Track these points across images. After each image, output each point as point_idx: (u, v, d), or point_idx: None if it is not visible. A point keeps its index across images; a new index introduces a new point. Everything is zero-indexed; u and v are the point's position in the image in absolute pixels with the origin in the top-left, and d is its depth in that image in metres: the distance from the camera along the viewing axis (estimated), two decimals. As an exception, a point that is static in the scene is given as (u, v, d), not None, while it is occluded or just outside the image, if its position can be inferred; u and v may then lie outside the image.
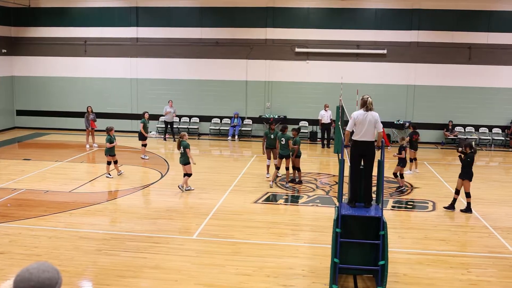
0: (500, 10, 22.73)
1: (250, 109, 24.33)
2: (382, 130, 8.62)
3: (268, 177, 15.69)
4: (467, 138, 22.91)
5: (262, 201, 13.49)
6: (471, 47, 22.88)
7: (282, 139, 14.97)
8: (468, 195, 12.59)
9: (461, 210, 12.67)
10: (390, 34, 23.05)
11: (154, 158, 18.86)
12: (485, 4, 22.63)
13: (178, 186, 14.08)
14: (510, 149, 22.74)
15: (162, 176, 15.96)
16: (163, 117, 23.26)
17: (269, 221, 11.74)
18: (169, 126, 23.21)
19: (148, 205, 13.33)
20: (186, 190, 14.01)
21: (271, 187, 14.77)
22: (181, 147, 13.88)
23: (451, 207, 12.78)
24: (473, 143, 13.09)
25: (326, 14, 23.48)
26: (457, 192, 12.78)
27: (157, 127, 24.48)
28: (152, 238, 10.33)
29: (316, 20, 23.48)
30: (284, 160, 15.00)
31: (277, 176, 15.59)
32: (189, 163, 13.94)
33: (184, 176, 14.03)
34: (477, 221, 12.13)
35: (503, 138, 23.33)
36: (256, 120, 23.93)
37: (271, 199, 13.77)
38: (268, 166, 16.02)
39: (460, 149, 12.95)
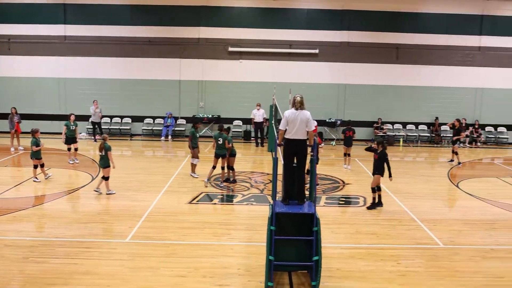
0: (426, 12, 23.72)
1: (184, 109, 24.14)
2: (313, 129, 8.77)
3: (194, 176, 15.68)
4: (395, 135, 23.75)
5: (197, 201, 13.40)
6: (398, 47, 23.73)
7: (219, 139, 14.98)
8: (374, 190, 13.00)
9: (368, 208, 12.93)
10: (321, 34, 23.53)
11: (84, 161, 18.32)
12: (412, 6, 23.55)
13: (94, 190, 13.65)
14: (435, 145, 23.76)
15: (92, 179, 15.52)
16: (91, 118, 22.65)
17: (204, 221, 11.67)
18: (97, 126, 22.60)
19: (78, 209, 12.90)
20: (107, 194, 13.58)
21: (206, 186, 14.70)
22: (103, 150, 13.48)
23: (376, 205, 13.05)
24: (384, 140, 13.52)
25: (259, 14, 23.64)
26: (378, 189, 13.08)
27: (86, 128, 23.79)
28: (83, 243, 10.00)
29: (249, 19, 23.60)
30: (220, 159, 15.02)
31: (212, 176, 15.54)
32: (109, 166, 13.58)
33: (104, 180, 13.63)
34: (405, 214, 12.58)
35: (428, 135, 24.37)
36: (190, 119, 23.73)
37: (206, 199, 13.69)
38: (195, 166, 16.05)
39: (373, 145, 13.27)
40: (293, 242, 8.55)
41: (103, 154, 13.50)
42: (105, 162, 13.54)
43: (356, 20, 23.53)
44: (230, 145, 15.06)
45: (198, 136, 16.09)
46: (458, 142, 19.33)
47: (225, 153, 15.05)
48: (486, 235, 11.23)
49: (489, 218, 12.54)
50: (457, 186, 16.01)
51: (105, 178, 13.57)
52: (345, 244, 10.35)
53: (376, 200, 13.04)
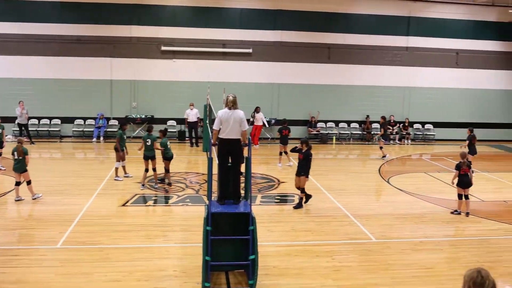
0: (357, 13, 24.35)
1: (116, 109, 23.57)
2: (247, 128, 8.79)
3: (119, 180, 15.35)
4: (328, 133, 24.23)
5: (131, 203, 13.12)
6: (330, 47, 24.23)
7: (147, 140, 14.58)
8: (303, 191, 12.93)
9: (294, 207, 12.90)
10: (255, 34, 23.65)
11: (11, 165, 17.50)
12: (343, 7, 24.12)
13: (15, 200, 12.95)
14: (367, 142, 24.44)
15: (19, 183, 14.83)
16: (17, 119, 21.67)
17: (139, 223, 11.44)
18: (23, 128, 21.64)
19: (4, 215, 12.28)
20: (34, 198, 12.98)
21: (141, 189, 14.41)
22: (17, 153, 12.84)
23: (301, 205, 12.96)
24: (308, 140, 13.41)
25: (193, 13, 23.45)
26: (302, 190, 12.97)
27: (12, 130, 22.73)
28: (11, 251, 9.55)
29: (183, 18, 23.37)
30: (150, 161, 14.67)
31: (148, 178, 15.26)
32: (27, 170, 13.02)
33: (27, 184, 13.05)
34: (339, 211, 12.85)
35: (360, 132, 25.02)
36: (123, 120, 23.11)
37: (140, 201, 13.43)
38: (118, 169, 15.66)
39: (298, 146, 13.26)
40: (230, 242, 8.54)
41: (21, 158, 12.87)
42: (22, 166, 12.93)
43: (289, 20, 23.82)
44: (158, 145, 14.60)
45: (125, 137, 15.67)
46: (386, 138, 20.20)
47: (153, 155, 14.62)
48: (416, 228, 11.66)
49: (418, 212, 13.02)
50: (387, 182, 16.52)
51: (28, 183, 12.96)
52: (281, 242, 10.45)
53: (298, 200, 13.03)
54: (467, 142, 17.39)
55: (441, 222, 12.24)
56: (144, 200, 13.52)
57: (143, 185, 14.68)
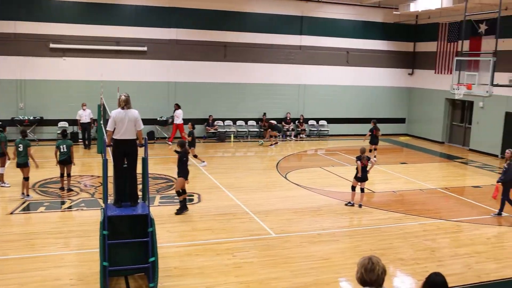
0: (252, 12, 24.61)
1: (1, 111, 22.00)
2: (142, 127, 8.58)
3: (6, 186, 14.22)
4: (226, 131, 24.36)
5: (20, 211, 12.34)
6: (226, 45, 24.32)
7: (19, 145, 13.17)
8: (179, 193, 12.39)
9: (176, 213, 12.23)
10: (150, 31, 23.14)
11: None
12: (239, 6, 24.27)
13: None
14: (264, 139, 24.83)
15: None
16: None
17: (30, 232, 10.80)
18: None
19: None
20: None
21: (25, 197, 13.39)
22: None
23: (184, 208, 12.42)
24: (185, 141, 12.93)
25: (83, 9, 22.43)
26: (183, 192, 12.42)
27: None
28: None
29: (72, 14, 22.28)
30: (23, 169, 13.15)
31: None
32: None
33: None
34: (239, 208, 12.96)
35: (257, 130, 25.39)
36: (9, 122, 21.60)
37: (30, 208, 12.68)
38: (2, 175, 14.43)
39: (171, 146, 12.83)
40: (128, 245, 8.31)
41: None
42: None
43: (185, 17, 23.58)
44: (32, 151, 13.28)
45: (6, 141, 14.28)
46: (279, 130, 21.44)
47: (26, 162, 13.12)
48: (313, 222, 12.04)
49: (315, 205, 13.46)
50: (285, 177, 16.90)
51: None
52: (182, 242, 10.35)
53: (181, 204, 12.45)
54: (369, 133, 19.54)
55: (336, 214, 12.75)
56: (34, 207, 12.76)
57: (25, 195, 13.31)
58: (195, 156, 17.83)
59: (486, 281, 8.94)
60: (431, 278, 4.87)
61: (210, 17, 23.91)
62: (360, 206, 13.31)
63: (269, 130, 23.39)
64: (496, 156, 21.90)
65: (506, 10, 19.80)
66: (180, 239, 10.53)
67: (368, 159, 13.42)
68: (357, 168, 13.32)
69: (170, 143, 22.29)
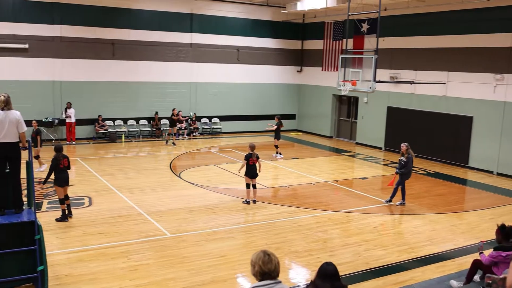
0: (140, 9, 24.06)
1: None
2: (25, 129, 8.10)
3: None
4: (117, 131, 23.68)
5: None
6: (114, 43, 23.60)
7: None
8: (61, 201, 11.69)
9: (56, 220, 11.54)
10: (31, 28, 21.84)
11: None
12: (126, 2, 23.63)
13: None
14: (157, 139, 24.49)
15: None
16: None
17: None
18: None
19: None
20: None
21: None
22: None
23: (67, 215, 11.76)
24: (61, 145, 12.01)
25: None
26: (66, 198, 11.79)
27: None
28: None
29: None
30: None
31: None
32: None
33: None
34: (132, 209, 12.66)
35: (149, 129, 24.95)
36: None
37: None
38: None
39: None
40: (13, 255, 7.80)
41: None
42: None
43: (70, 14, 22.51)
44: None
45: None
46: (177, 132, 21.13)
47: None
48: (208, 219, 12.06)
49: (210, 203, 13.49)
50: (179, 176, 16.78)
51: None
52: (73, 248, 9.91)
53: (67, 211, 11.82)
54: (275, 127, 20.49)
55: (231, 211, 12.87)
56: None
57: None
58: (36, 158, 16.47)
59: (375, 267, 9.48)
60: (323, 268, 5.11)
61: (97, 13, 23.07)
62: (254, 202, 13.53)
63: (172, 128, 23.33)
64: (380, 148, 23.29)
65: (385, 10, 21.09)
66: (71, 245, 10.08)
67: (257, 157, 13.57)
68: (242, 166, 13.53)
69: (68, 143, 21.54)
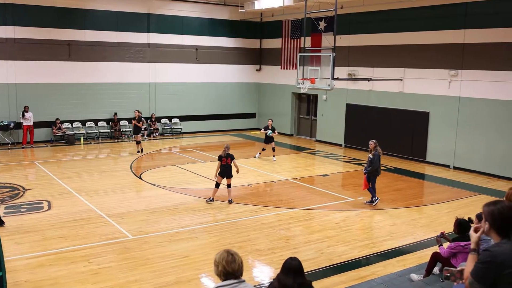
0: (96, 9, 23.65)
1: None
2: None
3: None
4: (75, 133, 23.25)
5: None
6: (70, 44, 23.15)
7: None
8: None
9: None
10: (-18, 29, 21.24)
11: None
12: (82, 2, 23.19)
13: None
14: (116, 140, 24.17)
15: None
16: None
17: None
18: None
19: None
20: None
21: None
22: None
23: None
24: None
25: None
26: None
27: None
28: None
29: None
30: None
31: None
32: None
33: None
34: (93, 212, 12.48)
35: (108, 130, 24.60)
36: None
37: None
38: None
39: None
40: (-30, 262, 7.62)
41: None
42: None
43: (23, 15, 21.96)
44: None
45: None
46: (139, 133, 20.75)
47: None
48: (171, 220, 12.01)
49: (172, 204, 13.43)
50: (140, 178, 16.63)
51: None
52: (32, 253, 9.70)
53: None
54: (276, 133, 20.19)
55: (194, 211, 12.83)
56: None
57: None
58: None
59: (337, 263, 9.63)
60: (287, 263, 5.18)
61: (52, 14, 22.58)
62: (230, 201, 13.49)
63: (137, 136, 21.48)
64: (340, 145, 23.62)
65: (342, 8, 21.41)
66: (30, 250, 9.86)
67: (233, 158, 13.51)
68: (218, 168, 13.48)
69: (24, 146, 21.04)
